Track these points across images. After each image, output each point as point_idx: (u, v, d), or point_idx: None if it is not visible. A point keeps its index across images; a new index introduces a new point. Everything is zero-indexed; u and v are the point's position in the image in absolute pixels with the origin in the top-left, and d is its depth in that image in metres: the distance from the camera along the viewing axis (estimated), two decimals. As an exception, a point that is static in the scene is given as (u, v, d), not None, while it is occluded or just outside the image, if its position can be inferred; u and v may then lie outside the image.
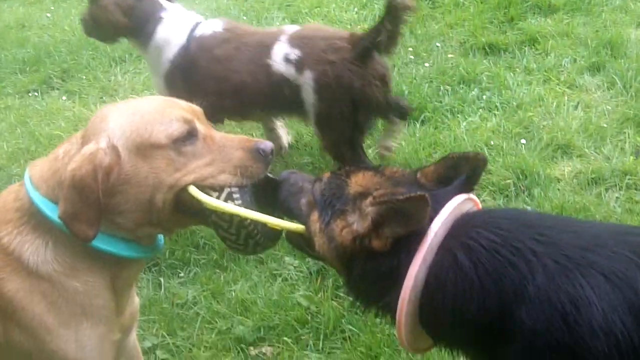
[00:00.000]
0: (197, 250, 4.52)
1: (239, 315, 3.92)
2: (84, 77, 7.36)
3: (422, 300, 2.15)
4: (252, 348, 3.73)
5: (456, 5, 7.73)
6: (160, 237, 2.62)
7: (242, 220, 2.33)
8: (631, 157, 4.88)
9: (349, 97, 4.47)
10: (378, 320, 3.60)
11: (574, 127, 5.34)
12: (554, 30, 6.89)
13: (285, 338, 3.71)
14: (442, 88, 6.22)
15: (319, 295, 3.96)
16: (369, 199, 2.21)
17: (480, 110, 5.82)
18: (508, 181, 4.78)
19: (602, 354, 1.87)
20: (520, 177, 4.78)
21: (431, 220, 2.13)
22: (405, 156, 5.18)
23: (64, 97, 7.05)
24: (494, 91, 6.07)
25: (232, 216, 2.32)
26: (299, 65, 4.50)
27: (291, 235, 2.53)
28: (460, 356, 2.38)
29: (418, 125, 5.68)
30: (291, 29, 4.79)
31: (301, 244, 2.52)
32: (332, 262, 2.38)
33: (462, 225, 2.18)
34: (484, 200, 4.61)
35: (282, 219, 2.46)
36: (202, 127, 2.40)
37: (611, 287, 1.91)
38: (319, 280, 4.08)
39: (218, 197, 2.34)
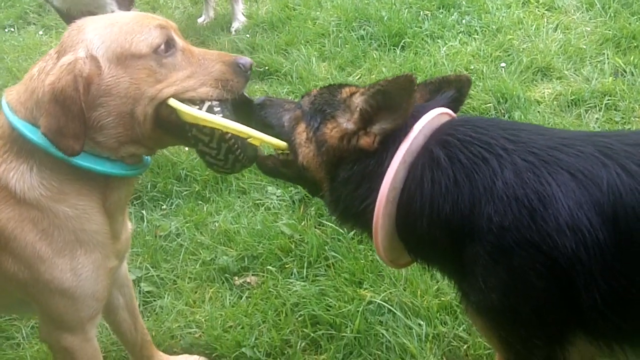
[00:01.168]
0: (179, 182, 4.51)
1: (223, 246, 3.94)
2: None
3: (399, 202, 2.16)
4: (236, 278, 3.75)
5: None
6: (148, 157, 2.56)
7: (223, 134, 2.28)
8: (610, 78, 4.88)
9: None
10: (361, 247, 3.66)
11: (554, 50, 5.33)
12: (532, -50, 6.82)
13: (270, 267, 3.73)
14: (421, 13, 6.19)
15: (302, 224, 3.97)
16: (358, 93, 2.23)
17: (460, 34, 5.80)
18: (488, 105, 4.77)
19: (569, 250, 1.90)
20: (501, 100, 4.77)
21: (413, 124, 2.14)
22: (385, 83, 5.14)
23: (40, 32, 6.97)
24: (473, 15, 6.04)
25: (213, 130, 2.28)
26: None
27: (264, 160, 2.51)
28: (433, 271, 2.44)
29: (398, 51, 5.66)
30: None
31: (275, 166, 2.50)
32: (315, 173, 2.33)
33: (440, 129, 2.19)
34: (464, 125, 4.61)
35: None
36: (180, 40, 2.34)
37: (577, 185, 1.93)
38: (302, 209, 4.09)
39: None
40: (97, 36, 2.21)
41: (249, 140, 2.33)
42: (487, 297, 2.05)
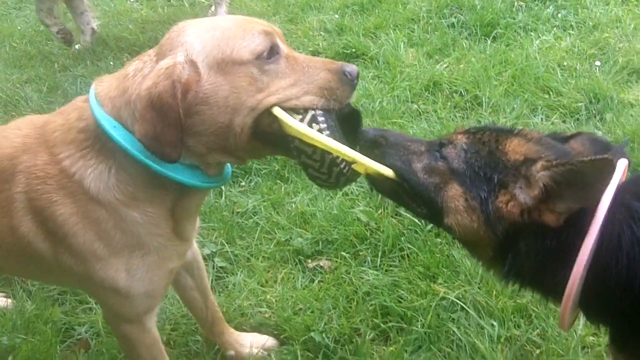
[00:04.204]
0: (259, 160, 4.50)
1: (298, 228, 3.93)
2: (152, -21, 7.28)
3: (588, 276, 1.95)
4: (309, 261, 3.74)
5: None
6: (229, 167, 2.48)
7: (333, 157, 2.12)
8: None
9: None
10: (438, 240, 3.60)
11: (652, 50, 5.15)
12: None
13: (343, 253, 3.70)
14: (515, 4, 6.06)
15: (379, 212, 3.93)
16: (540, 164, 1.98)
17: (555, 29, 5.66)
18: (579, 104, 4.63)
19: None
20: (593, 100, 4.64)
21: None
22: (474, 74, 5.05)
23: (131, -1, 7.02)
24: (570, 9, 5.89)
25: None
26: None
27: (381, 183, 2.27)
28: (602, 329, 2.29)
29: (489, 42, 5.55)
30: None
31: (399, 193, 2.26)
32: (472, 238, 2.13)
33: (629, 183, 2.02)
34: (552, 123, 4.50)
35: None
36: (284, 46, 2.22)
37: None
38: (379, 197, 4.04)
39: (301, 121, 2.13)
40: (197, 40, 2.13)
41: (353, 166, 2.16)
42: None
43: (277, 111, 2.12)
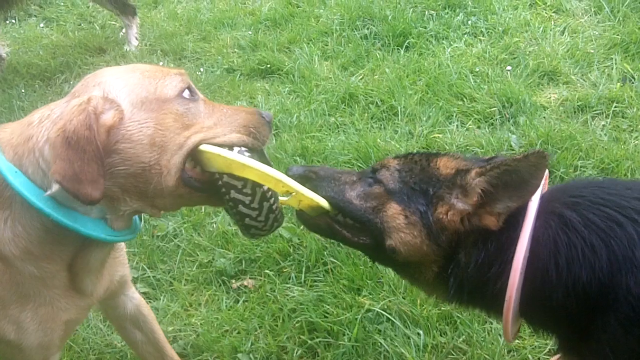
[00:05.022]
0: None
1: (220, 248, 3.88)
2: (62, 3, 7.17)
3: (527, 274, 2.00)
4: (233, 281, 3.69)
5: None
6: (137, 220, 2.33)
7: (265, 192, 2.07)
8: (618, 84, 4.81)
9: None
10: (360, 253, 3.59)
11: (561, 53, 5.27)
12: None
13: (267, 271, 3.68)
14: (426, 13, 6.12)
15: (301, 227, 3.90)
16: (474, 171, 2.05)
17: (466, 35, 5.74)
18: (493, 109, 4.70)
19: None
20: (506, 104, 4.71)
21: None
22: (389, 84, 5.09)
23: (41, 25, 6.88)
24: (479, 16, 5.99)
25: (254, 190, 2.07)
26: None
27: (314, 220, 2.29)
28: (547, 336, 2.30)
29: (402, 52, 5.59)
30: None
31: (334, 229, 2.26)
32: (416, 258, 2.15)
33: (556, 192, 2.11)
34: (468, 129, 4.55)
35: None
36: (198, 92, 2.19)
37: None
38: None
39: None
40: (118, 80, 2.05)
41: (286, 200, 2.15)
42: None
43: (205, 147, 2.05)
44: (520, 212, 2.00)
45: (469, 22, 5.91)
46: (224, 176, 2.06)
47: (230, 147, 2.09)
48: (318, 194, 2.22)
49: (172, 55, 5.99)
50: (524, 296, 2.01)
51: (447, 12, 6.10)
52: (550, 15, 5.88)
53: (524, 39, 5.57)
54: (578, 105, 4.67)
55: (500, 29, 5.74)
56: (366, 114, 4.86)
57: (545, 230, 1.99)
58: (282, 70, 5.62)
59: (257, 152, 2.14)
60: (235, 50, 6.06)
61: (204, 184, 2.11)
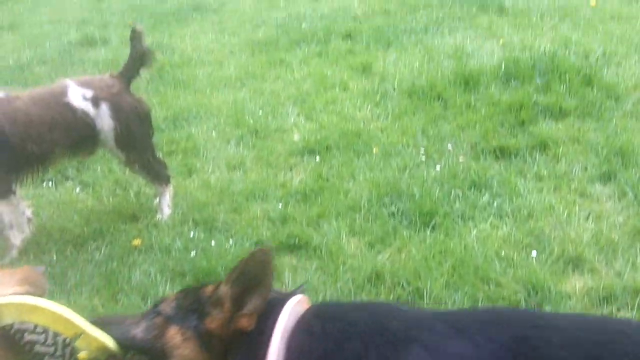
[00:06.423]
0: None
1: None
2: (99, 168, 7.38)
3: None
4: None
5: (468, 107, 7.83)
6: None
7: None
8: (644, 276, 4.82)
9: (137, 115, 5.92)
10: None
11: (585, 239, 5.32)
12: (565, 135, 6.95)
13: None
14: (453, 192, 6.24)
15: None
16: (222, 284, 2.39)
17: (491, 217, 5.81)
18: (519, 295, 4.72)
19: None
20: (531, 292, 4.72)
21: (282, 305, 2.34)
22: (415, 264, 5.14)
23: (77, 189, 7.05)
24: (504, 197, 6.08)
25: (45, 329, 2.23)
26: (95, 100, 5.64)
27: None
28: None
29: (428, 232, 5.67)
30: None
31: None
32: None
33: (306, 313, 2.39)
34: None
35: None
36: None
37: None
38: None
39: None
40: None
41: (77, 342, 2.28)
42: None
43: None
44: (271, 314, 2.32)
45: (495, 203, 6.00)
46: (15, 324, 2.16)
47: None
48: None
49: (202, 226, 6.08)
50: None
51: (473, 192, 6.22)
52: (575, 200, 5.96)
53: (548, 223, 5.63)
54: (603, 296, 4.66)
55: (525, 211, 5.82)
56: (392, 295, 4.88)
57: (296, 335, 2.28)
58: (309, 246, 5.68)
59: None
60: (265, 222, 6.16)
61: None
